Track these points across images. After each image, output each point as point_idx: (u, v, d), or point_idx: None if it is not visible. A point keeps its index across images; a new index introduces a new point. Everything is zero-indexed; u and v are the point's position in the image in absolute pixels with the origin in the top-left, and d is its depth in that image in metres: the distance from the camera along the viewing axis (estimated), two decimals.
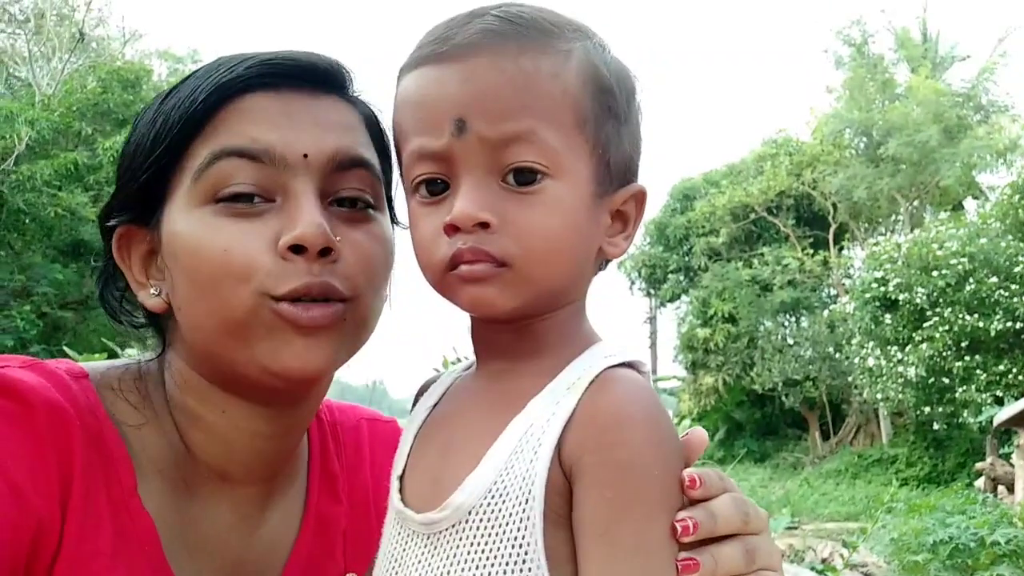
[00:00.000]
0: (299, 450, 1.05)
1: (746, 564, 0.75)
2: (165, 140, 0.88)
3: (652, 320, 34.56)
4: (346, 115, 0.93)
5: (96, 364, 0.97)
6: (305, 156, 0.88)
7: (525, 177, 0.73)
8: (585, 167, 0.75)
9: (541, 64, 0.73)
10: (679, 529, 0.69)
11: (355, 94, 0.97)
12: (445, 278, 0.75)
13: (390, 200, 1.01)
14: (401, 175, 0.80)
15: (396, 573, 0.77)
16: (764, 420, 29.30)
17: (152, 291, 0.92)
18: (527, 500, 0.70)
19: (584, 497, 0.70)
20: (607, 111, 0.77)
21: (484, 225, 0.72)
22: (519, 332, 0.78)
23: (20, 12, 21.91)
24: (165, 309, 0.92)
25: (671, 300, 31.73)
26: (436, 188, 0.75)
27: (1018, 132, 24.10)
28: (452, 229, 0.73)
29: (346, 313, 0.89)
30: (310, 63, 0.92)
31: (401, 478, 0.82)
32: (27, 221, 16.80)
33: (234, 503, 0.98)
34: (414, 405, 0.89)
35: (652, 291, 32.61)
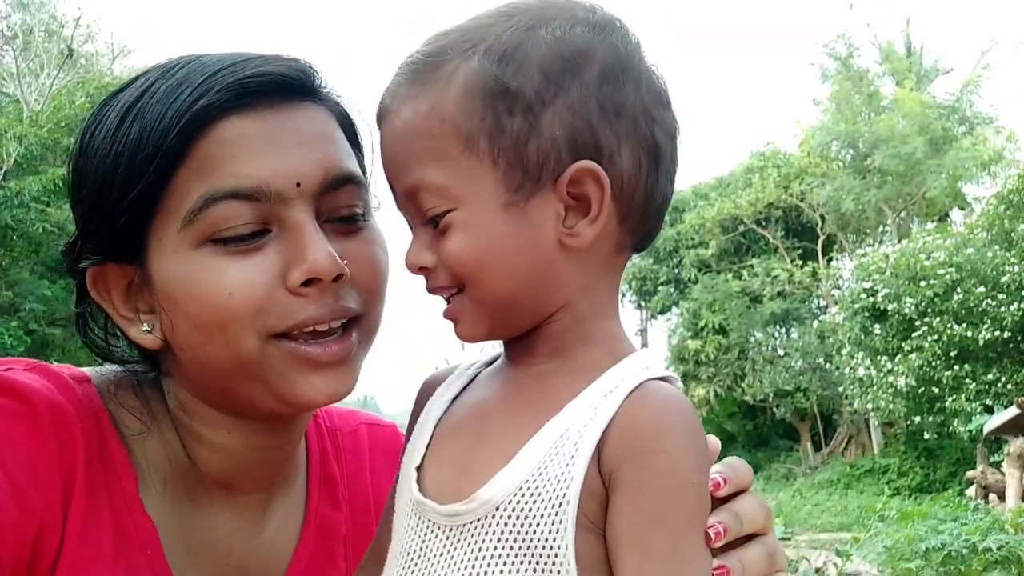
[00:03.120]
0: (298, 455, 1.04)
1: (768, 565, 0.75)
2: (140, 179, 0.83)
3: (643, 332, 34.59)
4: (324, 122, 0.91)
5: (96, 370, 0.96)
6: (298, 185, 0.85)
7: (435, 217, 0.77)
8: (485, 183, 0.75)
9: (418, 107, 0.76)
10: (712, 536, 0.70)
11: (325, 91, 0.94)
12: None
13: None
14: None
15: (417, 566, 0.77)
16: (756, 431, 29.33)
17: (143, 327, 0.89)
18: (561, 503, 0.70)
19: (621, 504, 0.70)
20: (506, 112, 0.74)
21: (424, 268, 0.79)
22: (535, 336, 0.79)
23: (8, 28, 21.87)
24: (161, 346, 0.89)
25: (662, 312, 31.80)
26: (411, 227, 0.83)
27: (1002, 143, 24.38)
28: (414, 272, 0.80)
29: (360, 335, 0.89)
30: (282, 76, 0.88)
31: (419, 468, 0.81)
32: (15, 237, 16.69)
33: (235, 510, 0.98)
34: (421, 398, 0.89)
35: (643, 303, 32.68)
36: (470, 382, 0.86)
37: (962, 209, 26.25)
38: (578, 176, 0.74)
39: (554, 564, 0.70)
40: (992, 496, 14.07)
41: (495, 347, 0.88)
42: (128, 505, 0.88)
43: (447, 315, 0.80)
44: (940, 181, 24.04)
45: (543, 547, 0.70)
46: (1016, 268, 17.79)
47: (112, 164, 0.85)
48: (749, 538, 0.75)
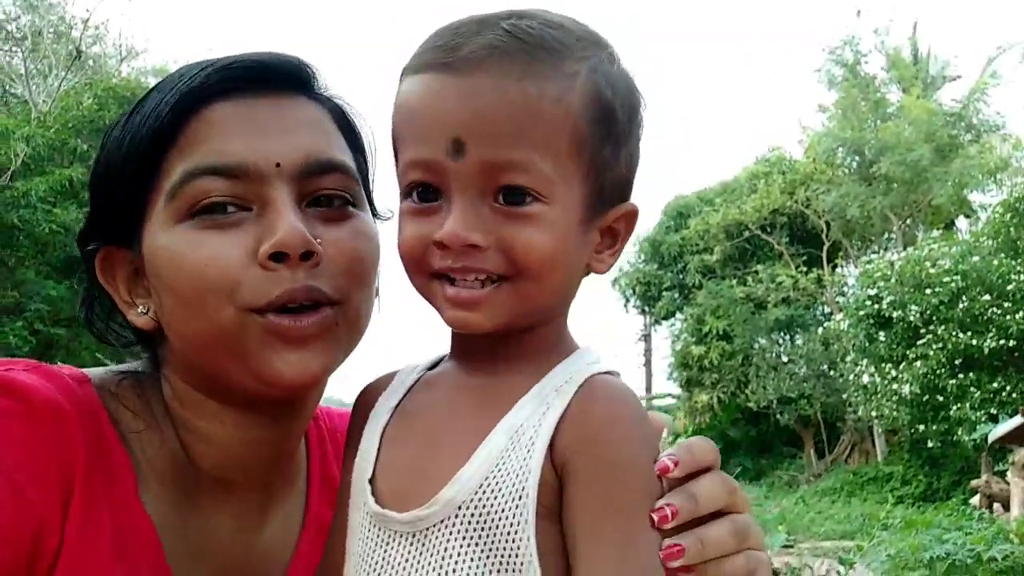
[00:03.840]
0: (298, 455, 1.05)
1: (736, 543, 0.75)
2: (136, 158, 0.87)
3: (647, 338, 34.54)
4: (313, 115, 0.92)
5: (96, 370, 0.97)
6: (278, 165, 0.87)
7: (516, 197, 0.74)
8: (577, 193, 0.76)
9: (545, 88, 0.73)
10: (656, 519, 0.71)
11: (321, 91, 0.95)
12: (430, 285, 0.78)
13: (370, 196, 1.00)
14: (396, 174, 0.81)
15: None
16: (759, 438, 29.23)
17: (140, 310, 0.92)
18: (520, 496, 0.72)
19: (574, 493, 0.72)
20: (606, 135, 0.77)
21: (474, 246, 0.73)
22: (503, 339, 0.79)
23: (17, 30, 21.97)
24: (154, 327, 0.91)
25: (666, 318, 31.73)
26: (428, 196, 0.77)
27: (1009, 151, 24.31)
28: (442, 246, 0.74)
29: (337, 317, 0.89)
30: (271, 64, 0.91)
31: (371, 480, 0.81)
32: (21, 238, 16.74)
33: (235, 509, 0.98)
34: (361, 409, 0.88)
35: (647, 309, 32.61)
36: (411, 388, 0.86)
37: (968, 217, 26.19)
38: (629, 214, 0.82)
39: (517, 556, 0.71)
40: (996, 506, 14.00)
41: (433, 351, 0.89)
42: (128, 505, 0.88)
43: (464, 299, 0.75)
44: (946, 188, 23.97)
45: (506, 540, 0.72)
46: (1022, 276, 17.72)
47: (116, 149, 0.89)
48: (717, 516, 0.75)
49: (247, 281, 0.84)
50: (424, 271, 0.77)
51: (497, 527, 0.72)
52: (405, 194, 0.78)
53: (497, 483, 0.73)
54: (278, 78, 0.91)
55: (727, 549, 0.74)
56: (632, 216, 0.82)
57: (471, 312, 0.75)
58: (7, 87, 21.51)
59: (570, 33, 0.76)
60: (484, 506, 0.73)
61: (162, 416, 0.95)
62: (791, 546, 11.17)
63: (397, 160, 0.80)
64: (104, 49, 23.77)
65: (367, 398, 0.88)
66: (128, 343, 0.98)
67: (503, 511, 0.72)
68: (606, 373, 0.78)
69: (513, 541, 0.72)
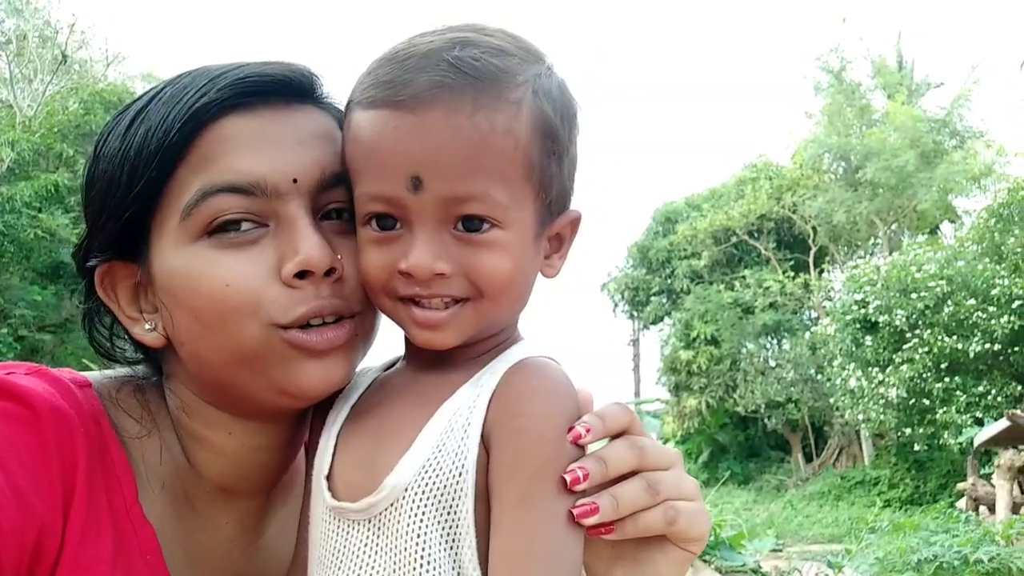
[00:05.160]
0: (297, 460, 1.04)
1: (650, 497, 0.79)
2: (144, 174, 0.85)
3: (635, 342, 34.62)
4: (324, 124, 0.92)
5: (96, 374, 0.96)
6: (295, 181, 0.86)
7: (474, 224, 0.78)
8: (529, 213, 0.81)
9: (495, 121, 0.76)
10: (568, 480, 0.75)
11: (326, 98, 0.95)
12: (396, 308, 0.82)
13: None
14: (355, 201, 0.84)
15: (343, 563, 0.80)
16: (747, 442, 29.33)
17: (147, 326, 0.91)
18: (460, 473, 0.76)
19: (491, 466, 0.76)
20: (552, 153, 0.81)
21: (440, 275, 0.78)
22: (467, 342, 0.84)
23: (2, 34, 21.82)
24: (164, 344, 0.90)
25: (654, 322, 31.82)
26: (387, 224, 0.81)
27: (992, 157, 24.55)
28: (408, 275, 0.78)
29: (356, 329, 0.89)
30: (282, 76, 0.90)
31: (328, 478, 0.84)
32: (6, 243, 16.61)
33: (235, 515, 0.98)
34: (317, 411, 0.92)
35: (635, 313, 32.70)
36: (366, 389, 0.90)
37: (952, 222, 26.42)
38: (574, 221, 0.87)
39: (458, 528, 0.76)
40: (983, 508, 14.10)
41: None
42: (128, 509, 0.88)
43: (431, 321, 0.80)
44: (931, 194, 24.19)
45: (449, 516, 0.76)
46: (1006, 281, 17.89)
47: (119, 164, 0.87)
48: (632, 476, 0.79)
49: (271, 298, 0.84)
50: (390, 295, 0.82)
51: (441, 504, 0.76)
52: (364, 222, 0.83)
53: (438, 463, 0.77)
54: (288, 90, 0.90)
55: (641, 504, 0.78)
56: (576, 222, 0.88)
57: (437, 332, 0.80)
58: None
59: (510, 56, 0.79)
60: (427, 486, 0.76)
61: (164, 421, 0.94)
62: (780, 550, 11.21)
63: (352, 188, 0.84)
64: (90, 54, 23.64)
65: (325, 401, 0.91)
66: (132, 361, 0.96)
67: (445, 488, 0.76)
68: (541, 358, 0.82)
69: (455, 515, 0.76)
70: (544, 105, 0.80)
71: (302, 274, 0.84)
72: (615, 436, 0.81)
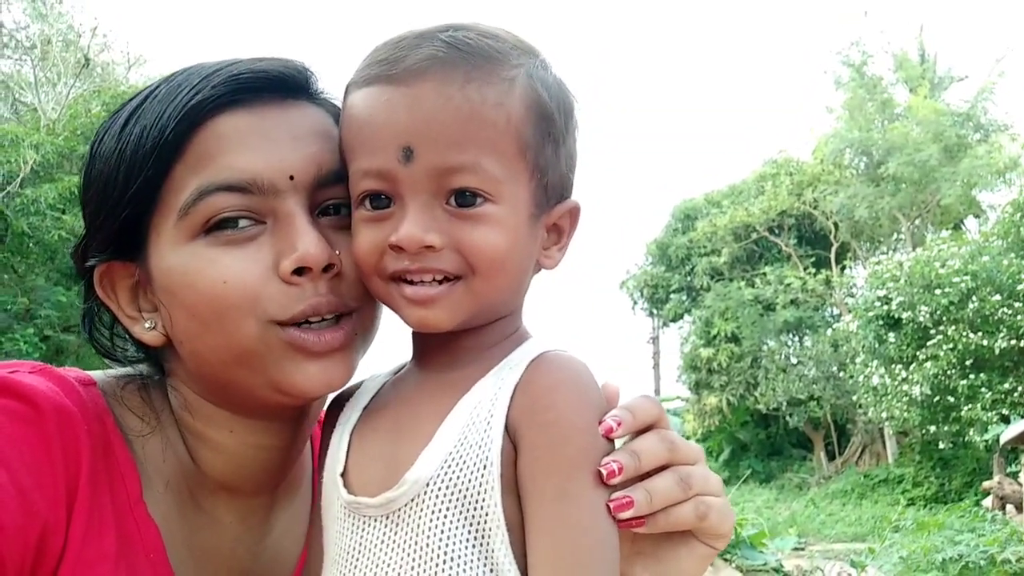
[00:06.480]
0: (303, 459, 1.04)
1: (682, 491, 0.79)
2: (140, 174, 0.85)
3: (655, 340, 34.50)
4: (320, 120, 0.91)
5: (100, 373, 0.97)
6: (291, 178, 0.86)
7: (467, 199, 0.78)
8: (524, 191, 0.81)
9: (486, 93, 0.77)
10: (604, 473, 0.75)
11: (322, 94, 0.95)
12: (388, 289, 0.82)
13: None
14: (349, 183, 0.85)
15: (360, 561, 0.79)
16: (769, 440, 29.13)
17: (146, 325, 0.91)
18: (485, 466, 0.75)
19: (522, 459, 0.76)
20: (546, 135, 0.81)
21: (430, 247, 0.77)
22: (461, 336, 0.83)
23: (27, 39, 22.12)
24: (164, 342, 0.90)
25: (674, 320, 31.68)
26: (380, 203, 0.81)
27: (1017, 151, 24.17)
28: (398, 249, 0.78)
29: (356, 327, 0.89)
30: (278, 73, 0.90)
31: (343, 475, 0.84)
32: (31, 244, 16.83)
33: (239, 514, 0.98)
34: (332, 414, 0.92)
35: (655, 311, 32.57)
36: (378, 391, 0.90)
37: (977, 217, 26.06)
38: (573, 211, 0.87)
39: (486, 524, 0.75)
40: (1009, 507, 13.89)
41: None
42: (131, 507, 0.88)
43: (422, 297, 0.79)
44: (955, 189, 23.87)
45: (475, 510, 0.75)
46: None
47: (116, 163, 0.87)
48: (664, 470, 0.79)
49: (270, 295, 0.84)
50: (382, 275, 0.81)
51: (465, 498, 0.75)
52: (358, 203, 0.83)
53: (461, 457, 0.76)
54: (284, 86, 0.90)
55: (674, 498, 0.78)
56: (575, 212, 0.88)
57: (429, 310, 0.79)
58: (17, 95, 21.66)
59: (504, 42, 0.81)
60: (451, 480, 0.76)
61: (167, 419, 0.94)
62: (802, 549, 11.12)
63: (348, 171, 0.84)
64: (112, 57, 23.91)
65: (336, 406, 0.91)
66: (133, 360, 0.97)
67: (470, 482, 0.75)
68: (561, 351, 0.82)
69: (482, 509, 0.75)
70: (538, 87, 0.81)
71: (300, 270, 0.84)
72: (643, 430, 0.80)
